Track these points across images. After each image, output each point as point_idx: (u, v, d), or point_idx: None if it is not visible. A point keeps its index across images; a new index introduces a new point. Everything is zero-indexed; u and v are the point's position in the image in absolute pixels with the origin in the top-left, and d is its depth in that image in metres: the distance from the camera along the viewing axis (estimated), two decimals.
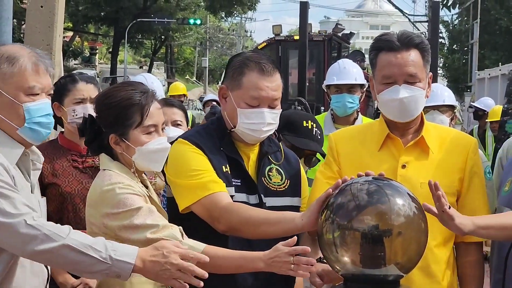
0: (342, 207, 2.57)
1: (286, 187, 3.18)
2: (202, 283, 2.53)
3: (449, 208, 2.69)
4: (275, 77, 3.08)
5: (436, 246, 3.03)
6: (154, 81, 6.72)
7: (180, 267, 2.52)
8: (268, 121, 3.06)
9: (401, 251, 2.55)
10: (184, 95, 11.09)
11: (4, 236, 2.48)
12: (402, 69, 3.03)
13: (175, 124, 4.09)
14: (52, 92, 2.77)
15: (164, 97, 5.91)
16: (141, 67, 62.45)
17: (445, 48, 44.54)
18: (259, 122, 3.05)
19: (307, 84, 14.88)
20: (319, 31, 21.02)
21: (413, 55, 3.05)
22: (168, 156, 3.05)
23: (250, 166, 3.14)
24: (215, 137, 3.12)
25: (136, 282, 2.93)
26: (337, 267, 2.62)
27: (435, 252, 3.03)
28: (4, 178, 2.54)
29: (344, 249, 2.53)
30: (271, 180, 3.15)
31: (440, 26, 29.97)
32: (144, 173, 3.21)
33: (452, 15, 44.79)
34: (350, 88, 5.51)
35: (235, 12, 50.95)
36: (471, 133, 10.68)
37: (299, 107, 9.69)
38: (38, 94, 2.68)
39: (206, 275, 2.53)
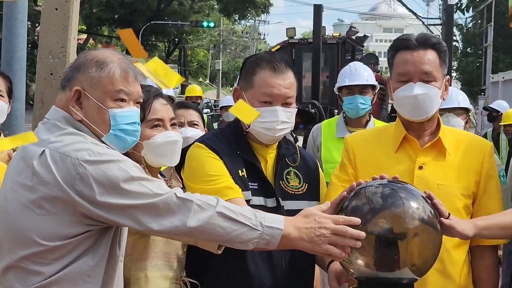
0: (357, 210, 2.55)
1: (304, 190, 3.14)
2: (360, 243, 2.47)
3: (449, 215, 2.67)
4: (288, 75, 3.06)
5: (453, 247, 3.02)
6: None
7: (334, 230, 2.47)
8: (281, 119, 3.02)
9: (415, 254, 2.54)
10: (200, 97, 11.18)
11: (162, 214, 2.43)
12: (418, 66, 3.04)
13: (192, 124, 4.16)
14: (141, 100, 2.68)
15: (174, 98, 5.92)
16: None
17: (459, 51, 44.50)
18: (273, 121, 3.01)
19: (321, 87, 14.88)
20: (333, 34, 21.00)
21: (430, 55, 3.05)
22: (185, 160, 3.06)
23: (268, 169, 3.10)
24: (231, 140, 3.09)
25: (151, 277, 2.94)
26: (351, 270, 2.61)
27: (451, 253, 3.02)
28: (142, 170, 2.54)
29: (358, 252, 2.52)
30: (289, 183, 3.12)
31: (454, 29, 29.90)
32: (160, 174, 3.22)
33: (466, 18, 44.81)
34: (361, 89, 5.55)
35: (248, 14, 51.05)
36: (485, 136, 10.62)
37: (313, 110, 9.71)
38: (125, 101, 2.60)
39: (363, 235, 2.48)
